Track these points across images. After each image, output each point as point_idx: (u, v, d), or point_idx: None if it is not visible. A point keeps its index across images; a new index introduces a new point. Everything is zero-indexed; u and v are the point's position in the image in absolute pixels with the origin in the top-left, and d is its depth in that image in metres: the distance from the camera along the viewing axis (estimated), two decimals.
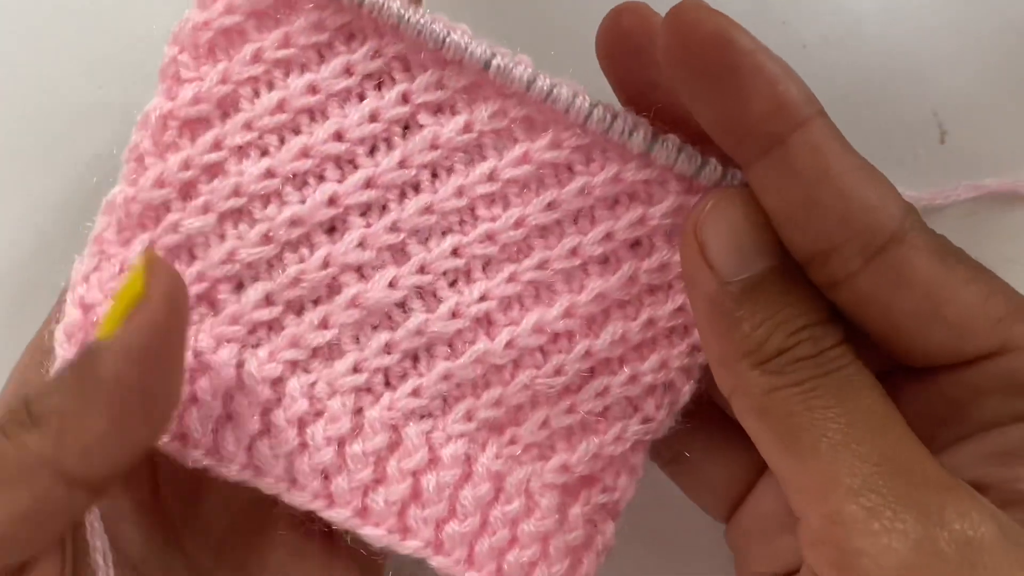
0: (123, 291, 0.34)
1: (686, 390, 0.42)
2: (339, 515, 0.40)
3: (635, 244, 0.41)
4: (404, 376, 0.41)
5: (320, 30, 0.39)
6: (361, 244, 0.39)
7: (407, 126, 0.40)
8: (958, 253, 0.37)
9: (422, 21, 0.38)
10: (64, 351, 0.39)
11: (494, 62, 0.38)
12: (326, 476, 0.40)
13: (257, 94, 0.39)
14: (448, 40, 0.38)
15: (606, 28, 0.40)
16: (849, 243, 0.35)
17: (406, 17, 0.38)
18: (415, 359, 0.41)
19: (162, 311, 0.34)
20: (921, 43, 0.47)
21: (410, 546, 0.41)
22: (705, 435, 0.44)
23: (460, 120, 0.39)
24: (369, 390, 0.40)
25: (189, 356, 0.39)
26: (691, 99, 0.36)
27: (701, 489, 0.46)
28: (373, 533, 0.41)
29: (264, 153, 0.39)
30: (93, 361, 0.33)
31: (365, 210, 0.40)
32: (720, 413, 0.44)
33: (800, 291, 0.36)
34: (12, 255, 0.53)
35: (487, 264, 0.40)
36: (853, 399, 0.35)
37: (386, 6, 0.38)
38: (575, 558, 0.42)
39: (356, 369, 0.40)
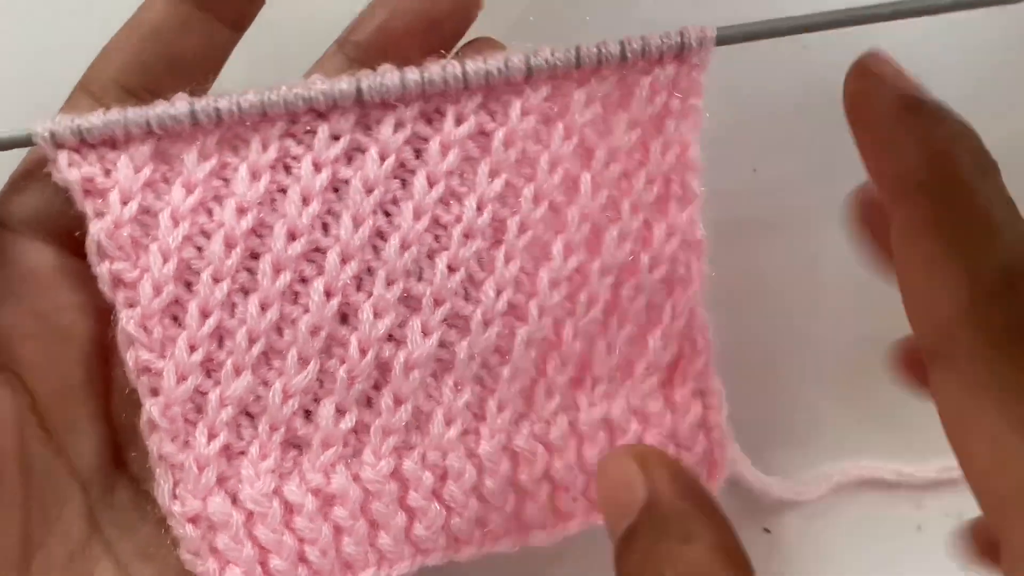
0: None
1: (699, 234, 0.42)
2: (537, 538, 0.43)
3: (582, 155, 0.40)
4: (483, 402, 0.41)
5: (205, 157, 0.38)
6: (376, 314, 0.39)
7: (336, 188, 0.39)
8: (1004, 380, 0.30)
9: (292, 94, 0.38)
10: None
11: (362, 85, 0.38)
12: (482, 524, 0.42)
13: (200, 248, 0.38)
14: (313, 93, 0.37)
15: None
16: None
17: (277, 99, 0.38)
18: (482, 383, 0.41)
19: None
20: (921, 43, 0.47)
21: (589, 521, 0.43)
22: None
23: (374, 153, 0.39)
24: (467, 432, 0.41)
25: (310, 498, 0.40)
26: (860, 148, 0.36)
27: None
28: (575, 529, 0.43)
29: (246, 291, 0.39)
30: None
31: (358, 283, 0.39)
32: None
33: None
34: None
35: (480, 260, 0.40)
36: None
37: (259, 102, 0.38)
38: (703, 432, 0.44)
39: (448, 423, 0.41)
